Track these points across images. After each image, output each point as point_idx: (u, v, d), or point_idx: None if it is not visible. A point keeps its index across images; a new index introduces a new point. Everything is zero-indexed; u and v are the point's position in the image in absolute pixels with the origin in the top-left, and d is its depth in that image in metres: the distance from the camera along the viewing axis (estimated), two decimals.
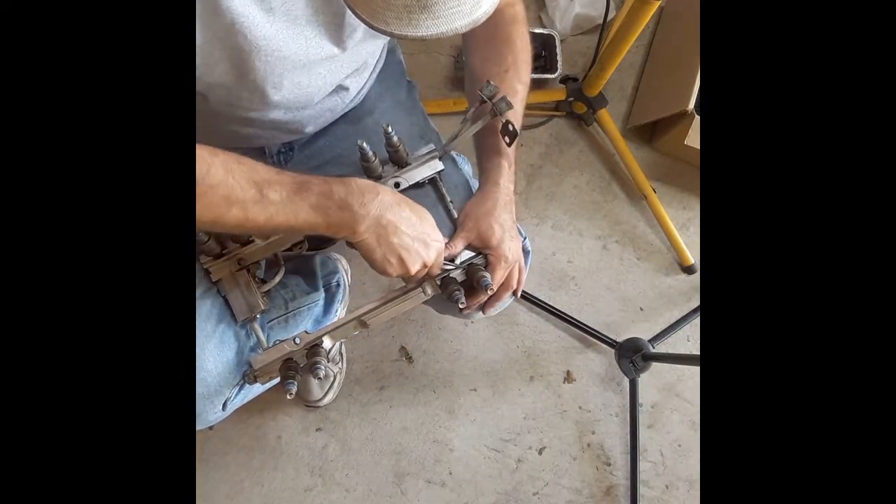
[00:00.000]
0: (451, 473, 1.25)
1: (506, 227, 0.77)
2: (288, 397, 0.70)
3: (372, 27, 0.48)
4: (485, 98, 0.72)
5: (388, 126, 0.73)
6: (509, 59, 0.78)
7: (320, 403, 1.23)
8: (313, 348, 0.73)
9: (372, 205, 0.65)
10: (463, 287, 0.77)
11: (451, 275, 0.77)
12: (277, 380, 0.75)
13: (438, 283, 0.77)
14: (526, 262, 0.89)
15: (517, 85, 0.78)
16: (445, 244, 0.76)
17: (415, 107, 0.90)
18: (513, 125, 0.73)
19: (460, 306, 0.75)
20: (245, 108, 0.69)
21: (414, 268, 0.69)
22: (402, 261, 0.68)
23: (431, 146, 0.80)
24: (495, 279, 0.77)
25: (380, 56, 0.83)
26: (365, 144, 0.72)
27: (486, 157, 0.80)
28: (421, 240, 0.69)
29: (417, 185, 0.79)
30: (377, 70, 0.84)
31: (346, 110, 0.83)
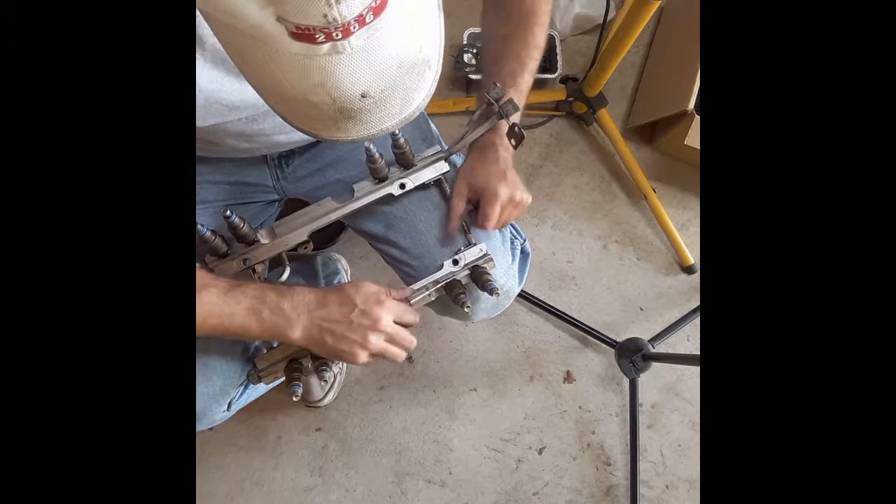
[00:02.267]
0: (451, 473, 1.25)
1: (500, 176, 0.77)
2: (294, 399, 0.70)
3: (305, 133, 0.49)
4: (491, 100, 0.72)
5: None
6: (514, 20, 0.76)
7: (320, 403, 1.23)
8: None
9: (301, 307, 0.67)
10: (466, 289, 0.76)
11: (455, 277, 0.77)
12: (282, 379, 0.75)
13: (443, 286, 0.76)
14: (525, 265, 0.89)
15: (521, 50, 0.76)
16: (449, 205, 0.77)
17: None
18: (519, 128, 0.73)
19: (465, 310, 0.75)
20: (238, 127, 0.70)
21: (371, 342, 0.68)
22: (356, 343, 0.68)
23: (437, 147, 0.80)
24: (491, 215, 0.77)
25: None
26: (371, 146, 0.72)
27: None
28: (361, 313, 0.68)
29: (423, 187, 0.79)
30: None
31: None
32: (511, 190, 0.77)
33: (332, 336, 0.67)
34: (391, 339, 0.70)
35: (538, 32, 0.77)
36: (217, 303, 0.63)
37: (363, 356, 0.69)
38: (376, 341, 0.69)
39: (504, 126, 0.77)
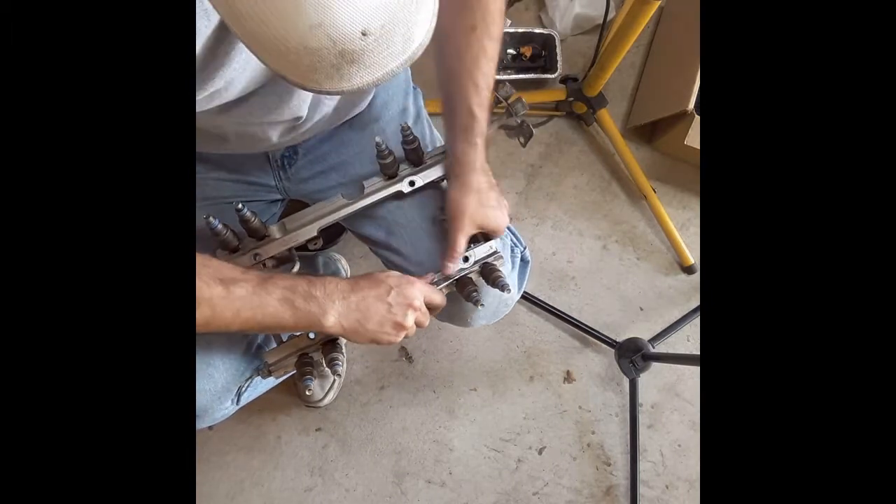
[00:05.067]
0: (451, 473, 1.25)
1: (497, 207, 0.77)
2: (307, 392, 0.70)
3: (306, 89, 0.47)
4: (500, 99, 0.72)
5: (405, 123, 0.73)
6: (478, 13, 0.71)
7: (320, 404, 1.23)
8: (328, 344, 0.73)
9: (335, 294, 0.66)
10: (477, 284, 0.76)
11: (467, 275, 0.76)
12: (291, 374, 0.75)
13: (454, 282, 0.76)
14: (524, 273, 0.89)
15: (486, 42, 0.72)
16: (448, 249, 0.75)
17: (419, 115, 0.89)
18: (528, 125, 0.73)
19: (480, 307, 0.74)
20: (238, 120, 0.69)
21: (408, 321, 0.69)
22: (395, 324, 0.68)
23: (445, 144, 0.80)
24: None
25: None
26: (380, 139, 0.72)
27: (458, 137, 0.75)
28: (397, 294, 0.68)
29: (431, 185, 0.79)
30: None
31: (352, 114, 0.83)
32: (506, 216, 0.78)
33: (370, 319, 0.67)
34: (416, 320, 0.71)
35: (500, 22, 0.73)
36: (248, 296, 0.62)
37: (400, 336, 0.69)
38: (412, 321, 0.69)
39: (479, 124, 0.73)
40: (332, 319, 0.66)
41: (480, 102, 0.72)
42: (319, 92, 0.47)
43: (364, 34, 0.42)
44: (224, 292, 0.61)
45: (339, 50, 0.42)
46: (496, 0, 0.72)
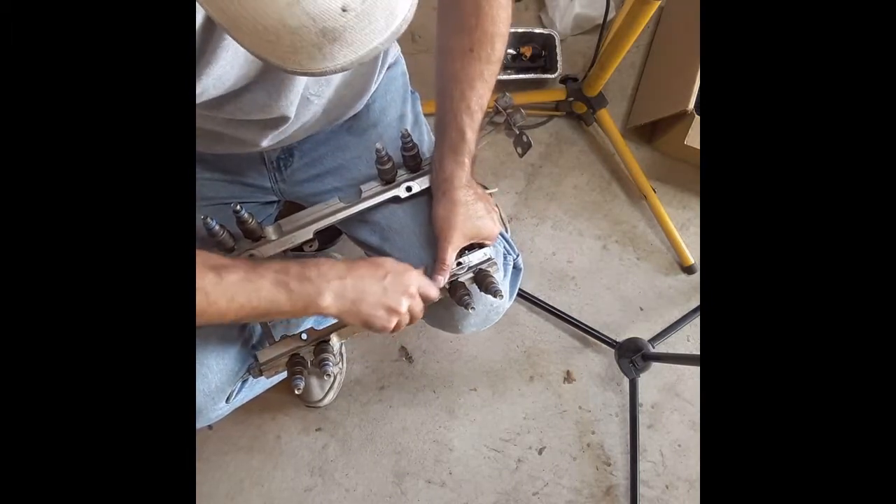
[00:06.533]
0: (451, 473, 1.25)
1: (486, 217, 0.77)
2: (296, 392, 0.70)
3: (287, 71, 0.46)
4: (499, 108, 0.72)
5: (405, 129, 0.73)
6: (476, 35, 0.71)
7: (320, 404, 1.23)
8: (320, 345, 0.73)
9: (330, 274, 0.65)
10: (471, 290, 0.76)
11: (459, 279, 0.76)
12: (283, 375, 0.75)
13: (447, 287, 0.76)
14: (516, 280, 0.89)
15: (483, 64, 0.72)
16: (438, 262, 0.75)
17: (417, 120, 0.89)
18: (527, 136, 0.73)
19: (470, 311, 0.74)
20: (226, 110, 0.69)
21: (402, 306, 0.68)
22: (388, 308, 0.68)
23: (431, 157, 0.80)
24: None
25: (383, 59, 0.82)
26: (381, 146, 0.72)
27: (447, 156, 0.75)
28: (393, 278, 0.68)
29: (428, 190, 0.79)
30: (382, 74, 0.83)
31: (346, 117, 0.83)
32: (497, 223, 0.78)
33: (365, 300, 0.67)
34: (410, 310, 0.70)
35: (501, 44, 0.73)
36: (240, 281, 0.62)
37: (393, 321, 0.69)
38: (406, 307, 0.69)
39: (467, 140, 0.74)
40: (329, 299, 0.65)
41: (472, 125, 0.73)
42: (302, 73, 0.46)
43: (344, 10, 0.41)
44: (216, 279, 0.60)
45: (321, 28, 0.41)
46: (496, 23, 0.71)
